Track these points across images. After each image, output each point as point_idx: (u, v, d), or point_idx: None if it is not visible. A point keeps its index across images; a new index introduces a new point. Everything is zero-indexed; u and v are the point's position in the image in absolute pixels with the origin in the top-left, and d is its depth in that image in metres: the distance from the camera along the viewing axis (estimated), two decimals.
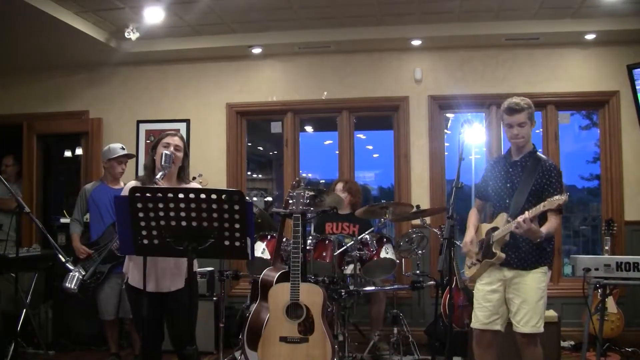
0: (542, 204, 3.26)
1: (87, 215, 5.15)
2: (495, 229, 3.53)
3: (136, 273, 3.41)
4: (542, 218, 3.41)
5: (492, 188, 3.68)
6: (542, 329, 3.46)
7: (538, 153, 3.59)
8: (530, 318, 3.42)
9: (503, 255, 3.46)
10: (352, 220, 5.52)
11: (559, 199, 3.21)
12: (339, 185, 5.66)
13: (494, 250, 3.48)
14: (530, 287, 3.45)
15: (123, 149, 5.14)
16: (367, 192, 8.64)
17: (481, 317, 3.58)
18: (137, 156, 6.42)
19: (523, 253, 3.48)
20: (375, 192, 9.38)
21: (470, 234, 3.69)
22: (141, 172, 6.33)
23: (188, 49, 6.26)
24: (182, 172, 3.57)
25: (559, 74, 6.08)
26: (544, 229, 3.35)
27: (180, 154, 3.51)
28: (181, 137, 3.60)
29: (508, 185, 3.58)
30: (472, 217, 3.78)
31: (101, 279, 4.85)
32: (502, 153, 3.82)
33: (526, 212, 3.28)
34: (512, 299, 3.50)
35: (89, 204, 5.07)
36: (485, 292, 3.58)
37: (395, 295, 5.44)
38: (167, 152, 3.40)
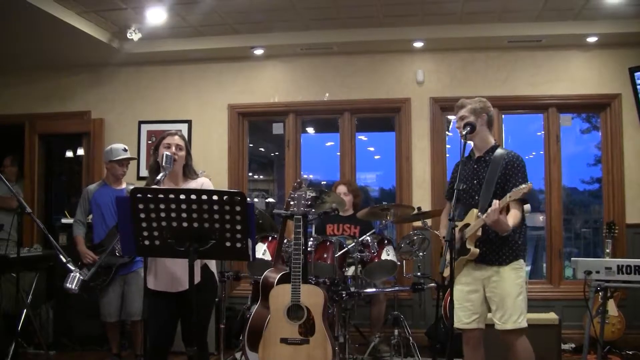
0: (508, 194, 3.33)
1: (90, 217, 5.15)
2: (467, 225, 3.55)
3: (152, 276, 3.41)
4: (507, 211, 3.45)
5: (462, 187, 3.70)
6: (524, 324, 3.47)
7: (500, 147, 3.68)
8: (511, 314, 3.45)
9: (477, 250, 3.48)
10: (353, 222, 5.51)
11: (523, 188, 3.27)
12: (342, 188, 5.64)
13: (467, 246, 3.50)
14: (509, 284, 3.49)
15: (125, 150, 5.12)
16: (366, 193, 8.63)
17: (462, 316, 3.59)
18: (138, 157, 6.43)
19: (497, 248, 3.52)
20: (376, 194, 9.37)
21: (444, 229, 3.75)
22: (142, 173, 6.39)
23: (190, 49, 6.27)
24: (187, 170, 3.57)
25: (561, 76, 6.08)
26: (510, 222, 3.39)
27: (182, 153, 3.50)
28: (181, 136, 3.58)
29: (475, 182, 3.63)
30: (445, 218, 3.83)
31: (107, 281, 4.86)
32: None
33: (495, 202, 3.32)
34: (492, 297, 3.53)
35: (91, 205, 5.06)
36: (465, 292, 3.60)
37: (396, 296, 5.44)
38: (167, 152, 3.38)
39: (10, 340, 4.81)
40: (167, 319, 3.42)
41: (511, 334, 3.47)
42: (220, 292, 5.13)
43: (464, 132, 3.55)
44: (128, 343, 5.45)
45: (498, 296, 3.49)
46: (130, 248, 2.84)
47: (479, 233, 3.48)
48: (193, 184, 3.51)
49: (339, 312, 4.51)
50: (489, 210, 3.33)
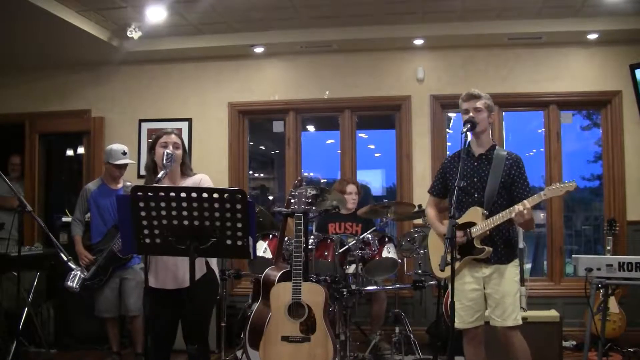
0: (543, 192, 3.28)
1: (88, 215, 5.15)
2: (469, 224, 3.49)
3: (153, 274, 3.41)
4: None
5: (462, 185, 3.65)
6: (521, 321, 3.50)
7: (498, 146, 3.66)
8: (512, 311, 3.46)
9: (490, 248, 3.45)
10: (355, 220, 5.52)
11: (569, 185, 3.22)
12: (353, 187, 5.62)
13: (477, 245, 3.46)
14: (509, 282, 3.50)
15: (124, 153, 5.10)
16: (367, 191, 8.63)
17: (465, 316, 3.56)
18: (139, 155, 6.44)
19: (499, 247, 3.51)
20: (377, 192, 9.38)
21: (442, 226, 3.68)
22: (143, 172, 6.38)
23: (190, 48, 6.27)
24: (184, 168, 3.56)
25: (562, 73, 6.07)
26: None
27: (179, 152, 3.49)
28: (178, 134, 3.56)
29: (475, 179, 3.58)
30: (433, 214, 3.80)
31: (104, 280, 4.87)
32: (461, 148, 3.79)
33: (526, 201, 3.30)
34: (492, 294, 3.51)
35: (89, 205, 5.07)
36: (467, 291, 3.57)
37: (397, 294, 5.44)
38: (168, 151, 3.37)
39: (11, 339, 4.82)
40: (169, 316, 3.42)
41: (510, 330, 3.47)
42: (221, 290, 5.14)
43: (466, 128, 3.49)
44: (128, 341, 5.45)
45: (499, 294, 3.48)
46: (130, 246, 2.84)
47: (487, 232, 3.44)
48: (190, 181, 3.50)
49: (340, 310, 4.51)
50: (521, 209, 3.26)
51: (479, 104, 3.57)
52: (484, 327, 3.62)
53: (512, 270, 3.54)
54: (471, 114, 3.56)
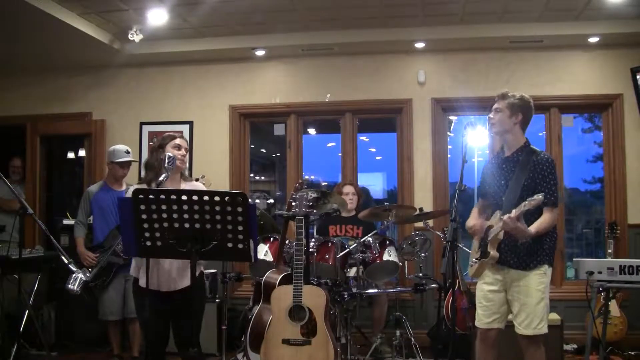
0: (523, 203, 3.21)
1: (91, 218, 5.16)
2: (491, 227, 3.50)
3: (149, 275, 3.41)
4: (538, 213, 3.38)
5: (489, 186, 3.68)
6: (544, 330, 3.42)
7: (531, 147, 3.57)
8: (531, 321, 3.39)
9: (497, 254, 3.43)
10: (356, 223, 5.52)
11: (536, 199, 3.16)
12: (350, 188, 5.64)
13: (488, 249, 3.45)
14: (530, 290, 3.42)
15: (128, 152, 5.13)
16: (368, 194, 8.64)
17: (482, 316, 3.57)
18: (140, 158, 6.44)
19: (521, 252, 3.44)
20: (378, 195, 9.39)
21: (473, 216, 3.72)
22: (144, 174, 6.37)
23: (191, 50, 6.27)
24: (184, 172, 3.62)
25: (563, 76, 6.07)
26: (532, 228, 3.31)
27: (186, 156, 3.56)
28: (186, 139, 3.65)
29: (502, 182, 3.57)
30: (475, 211, 3.80)
31: (107, 281, 4.87)
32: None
33: (513, 211, 3.24)
34: (513, 301, 3.48)
35: (92, 206, 5.08)
36: (486, 291, 3.58)
37: (398, 297, 5.43)
38: (169, 154, 3.39)
39: (12, 342, 4.81)
40: (162, 318, 3.44)
41: (529, 339, 3.42)
42: (222, 293, 5.14)
43: (468, 131, 3.51)
44: (128, 344, 5.44)
45: (519, 301, 3.43)
46: (132, 249, 2.84)
47: (501, 236, 3.40)
48: (189, 186, 3.54)
49: (341, 313, 4.51)
50: (504, 218, 3.26)
51: (501, 104, 3.55)
52: (500, 331, 3.57)
53: (535, 279, 3.41)
54: (490, 114, 3.58)
